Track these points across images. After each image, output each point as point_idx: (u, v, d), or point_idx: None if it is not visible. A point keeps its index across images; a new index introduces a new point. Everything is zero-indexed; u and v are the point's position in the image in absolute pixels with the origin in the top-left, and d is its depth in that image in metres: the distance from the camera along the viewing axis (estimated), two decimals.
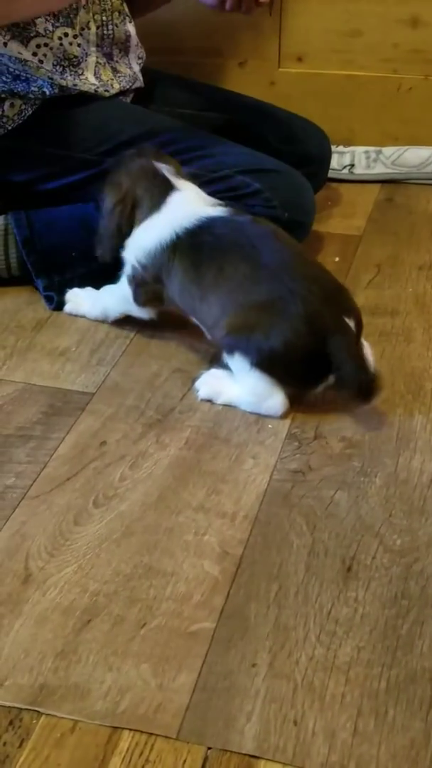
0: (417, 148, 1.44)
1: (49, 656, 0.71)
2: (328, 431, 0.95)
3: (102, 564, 0.80)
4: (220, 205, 1.03)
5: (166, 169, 1.05)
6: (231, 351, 0.96)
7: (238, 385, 0.98)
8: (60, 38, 1.17)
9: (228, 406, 0.99)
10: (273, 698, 0.68)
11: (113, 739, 0.65)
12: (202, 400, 1.00)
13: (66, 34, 1.18)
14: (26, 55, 1.15)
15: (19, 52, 1.15)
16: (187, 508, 0.86)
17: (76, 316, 1.15)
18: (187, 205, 1.02)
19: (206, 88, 1.37)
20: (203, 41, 1.43)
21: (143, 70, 1.31)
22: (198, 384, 1.01)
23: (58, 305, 1.16)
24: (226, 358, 0.97)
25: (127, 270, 1.06)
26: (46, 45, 1.16)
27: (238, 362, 0.96)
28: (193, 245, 0.99)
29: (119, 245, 1.05)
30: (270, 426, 0.96)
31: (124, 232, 1.05)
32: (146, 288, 1.05)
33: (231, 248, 0.97)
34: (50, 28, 1.16)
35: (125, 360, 1.07)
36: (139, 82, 1.29)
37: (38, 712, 0.67)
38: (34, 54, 1.16)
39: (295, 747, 0.64)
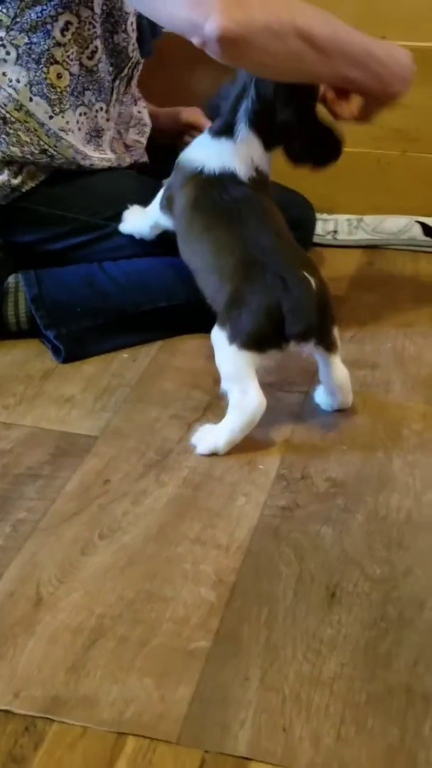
0: (395, 217, 1.56)
1: (60, 671, 0.78)
2: (314, 472, 1.04)
3: (107, 590, 0.87)
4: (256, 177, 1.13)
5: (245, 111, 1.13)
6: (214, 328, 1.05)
7: (224, 421, 1.06)
8: (97, 111, 1.29)
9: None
10: (264, 708, 0.75)
11: (119, 744, 0.72)
12: (202, 455, 1.06)
13: (102, 108, 1.30)
14: (72, 123, 1.25)
15: (68, 121, 1.25)
16: (185, 540, 0.93)
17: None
18: (232, 155, 1.13)
19: None
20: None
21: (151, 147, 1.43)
22: (194, 441, 1.07)
23: (66, 357, 1.25)
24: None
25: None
26: (85, 114, 1.28)
27: (217, 338, 1.04)
28: (203, 188, 1.12)
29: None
30: (261, 467, 1.05)
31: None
32: (169, 193, 1.19)
33: (226, 213, 1.09)
34: (93, 101, 1.28)
35: (126, 406, 1.16)
36: (144, 159, 1.42)
37: (51, 719, 0.73)
38: (77, 122, 1.26)
39: (284, 750, 0.71)
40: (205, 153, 1.15)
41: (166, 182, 1.23)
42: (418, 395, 1.17)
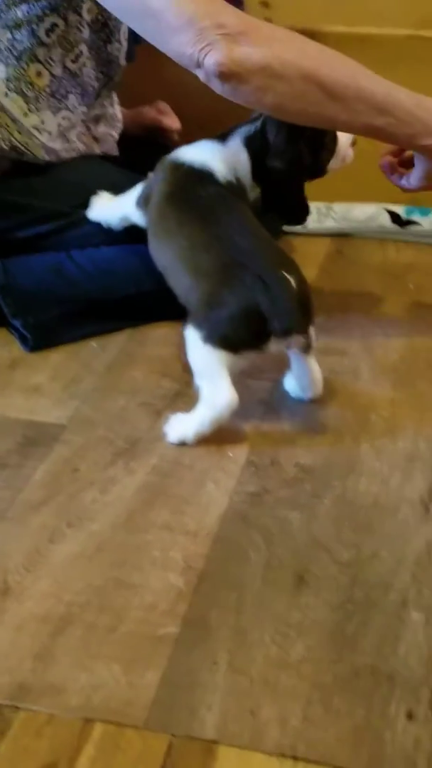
0: (364, 205, 1.57)
1: (28, 659, 0.78)
2: (282, 458, 1.04)
3: (75, 578, 0.87)
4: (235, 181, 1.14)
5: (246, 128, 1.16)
6: (185, 325, 1.04)
7: (194, 413, 1.05)
8: (79, 114, 1.28)
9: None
10: (231, 692, 0.75)
11: (87, 730, 0.72)
12: (173, 443, 1.05)
13: (84, 112, 1.29)
14: (48, 123, 1.25)
15: (43, 120, 1.25)
16: (154, 528, 0.93)
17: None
18: (215, 155, 1.14)
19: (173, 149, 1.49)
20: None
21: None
22: (165, 429, 1.07)
23: (33, 346, 1.24)
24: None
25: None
26: (69, 119, 1.27)
27: (191, 337, 1.03)
28: (179, 183, 1.12)
29: None
30: (230, 454, 1.05)
31: None
32: (148, 191, 1.18)
33: (201, 210, 1.09)
34: (76, 104, 1.28)
35: (95, 395, 1.15)
36: (115, 152, 1.41)
37: (17, 707, 0.73)
38: (58, 124, 1.26)
39: (251, 733, 0.71)
40: (192, 151, 1.16)
41: (145, 182, 1.22)
42: (386, 382, 1.18)
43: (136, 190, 1.22)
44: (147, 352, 1.25)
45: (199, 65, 0.99)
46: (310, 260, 1.50)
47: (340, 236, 1.57)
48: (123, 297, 1.28)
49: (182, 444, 1.05)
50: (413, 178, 1.17)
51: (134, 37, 1.31)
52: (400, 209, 1.56)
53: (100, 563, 0.88)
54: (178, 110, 1.56)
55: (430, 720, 0.72)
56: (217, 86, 1.01)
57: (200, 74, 1.01)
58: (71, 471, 1.01)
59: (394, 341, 1.27)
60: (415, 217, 1.55)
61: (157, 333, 1.29)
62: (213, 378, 1.03)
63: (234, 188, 1.14)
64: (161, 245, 1.14)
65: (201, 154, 1.15)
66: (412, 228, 1.55)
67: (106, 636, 0.80)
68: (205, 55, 0.98)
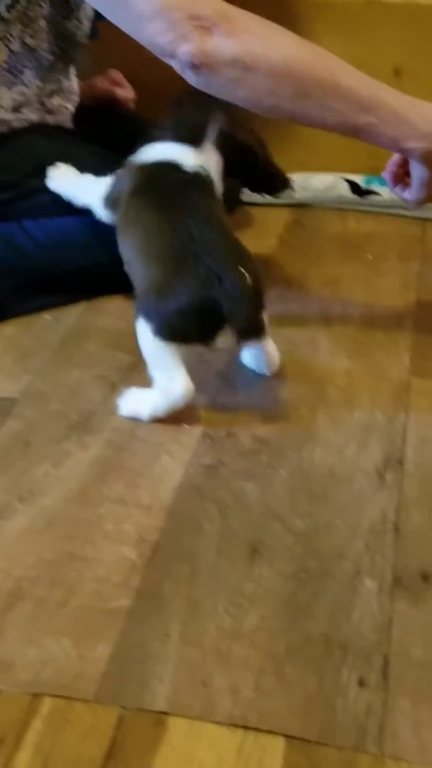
0: (322, 175, 1.55)
1: None
2: (239, 430, 1.03)
3: (26, 552, 0.85)
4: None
5: (213, 130, 1.13)
6: (136, 316, 1.02)
7: (150, 396, 1.03)
8: (34, 89, 1.25)
9: None
10: (183, 663, 0.74)
11: (35, 704, 0.70)
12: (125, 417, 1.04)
13: (39, 86, 1.26)
14: (3, 99, 1.23)
15: None
16: (107, 501, 0.92)
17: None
18: (184, 152, 1.11)
19: (129, 118, 1.46)
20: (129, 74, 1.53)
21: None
22: (119, 402, 1.05)
23: None
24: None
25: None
26: (24, 94, 1.25)
27: (141, 328, 1.01)
28: (145, 177, 1.10)
29: None
30: (186, 426, 1.03)
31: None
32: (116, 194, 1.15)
33: (162, 197, 1.06)
34: (30, 79, 1.24)
35: (49, 368, 1.13)
36: (69, 125, 1.37)
37: None
38: (12, 99, 1.24)
39: (203, 704, 0.71)
40: (158, 149, 1.12)
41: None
42: (343, 352, 1.17)
43: (102, 187, 1.17)
44: (102, 324, 1.23)
45: (172, 56, 0.98)
46: (269, 230, 1.49)
47: (299, 206, 1.56)
48: (76, 269, 1.26)
49: (134, 419, 1.04)
50: (412, 189, 1.12)
51: (97, 14, 1.28)
52: (359, 179, 1.55)
53: (51, 537, 0.87)
54: (133, 78, 1.53)
55: (381, 687, 0.72)
56: (191, 78, 1.00)
57: (174, 64, 0.99)
58: (23, 445, 0.99)
59: (352, 312, 1.26)
60: (375, 187, 1.54)
61: (113, 305, 1.27)
62: (166, 369, 1.01)
63: (201, 179, 1.11)
64: (123, 238, 1.10)
65: (170, 151, 1.12)
66: (372, 198, 1.54)
67: (57, 610, 0.79)
68: (178, 46, 0.97)
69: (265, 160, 1.22)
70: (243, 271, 0.99)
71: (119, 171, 1.15)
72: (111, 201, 1.16)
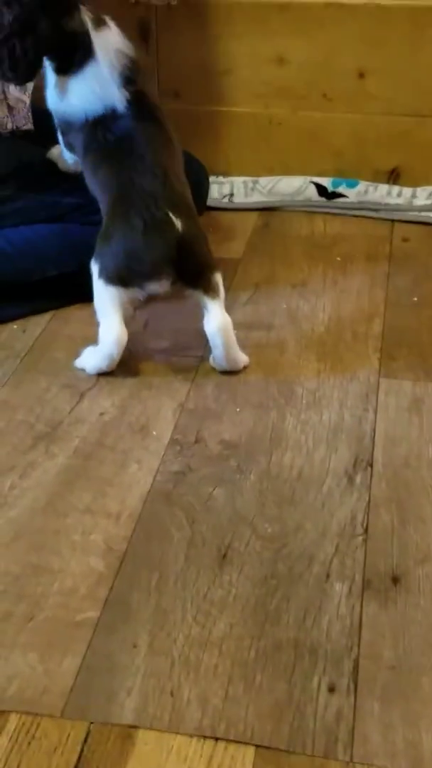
0: (290, 178, 1.55)
1: None
2: (207, 435, 1.02)
3: None
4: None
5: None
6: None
7: (93, 350, 1.11)
8: None
9: (114, 419, 1.05)
10: (152, 674, 0.73)
11: (1, 722, 0.69)
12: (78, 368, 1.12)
13: None
14: None
15: None
16: (75, 511, 0.91)
17: None
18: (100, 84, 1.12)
19: None
20: None
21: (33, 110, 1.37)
22: (76, 362, 1.13)
23: None
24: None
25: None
26: None
27: (91, 272, 1.08)
28: (90, 132, 1.13)
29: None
30: (154, 433, 1.03)
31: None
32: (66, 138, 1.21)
33: (110, 153, 1.11)
34: None
35: (15, 378, 1.12)
36: (30, 125, 1.36)
37: None
38: None
39: (171, 715, 0.70)
40: (79, 96, 1.13)
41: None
42: (311, 354, 1.17)
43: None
44: (70, 332, 1.22)
45: None
46: (238, 234, 1.48)
47: (267, 210, 1.55)
48: (44, 278, 1.25)
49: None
50: None
51: None
52: (326, 181, 1.55)
53: (17, 550, 0.86)
54: None
55: (352, 692, 0.72)
56: None
57: None
58: None
59: (320, 313, 1.26)
60: (342, 189, 1.54)
61: (82, 313, 1.25)
62: (105, 314, 1.09)
63: (135, 102, 1.12)
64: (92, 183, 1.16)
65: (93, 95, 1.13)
66: (339, 200, 1.54)
67: (23, 624, 0.78)
68: None
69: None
70: (172, 216, 1.05)
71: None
72: (67, 146, 1.22)
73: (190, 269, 1.07)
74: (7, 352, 1.17)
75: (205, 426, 1.04)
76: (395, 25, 1.43)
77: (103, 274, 1.07)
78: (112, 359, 1.10)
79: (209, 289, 1.08)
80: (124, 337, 1.08)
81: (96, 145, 1.13)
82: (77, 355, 1.15)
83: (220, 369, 1.12)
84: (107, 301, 1.08)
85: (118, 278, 1.06)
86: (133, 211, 1.06)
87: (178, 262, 1.05)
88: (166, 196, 1.07)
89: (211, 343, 1.10)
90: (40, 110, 1.38)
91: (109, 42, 1.12)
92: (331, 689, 0.72)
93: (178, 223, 1.05)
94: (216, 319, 1.08)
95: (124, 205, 1.07)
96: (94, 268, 1.08)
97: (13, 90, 1.32)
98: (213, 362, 1.12)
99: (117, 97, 1.11)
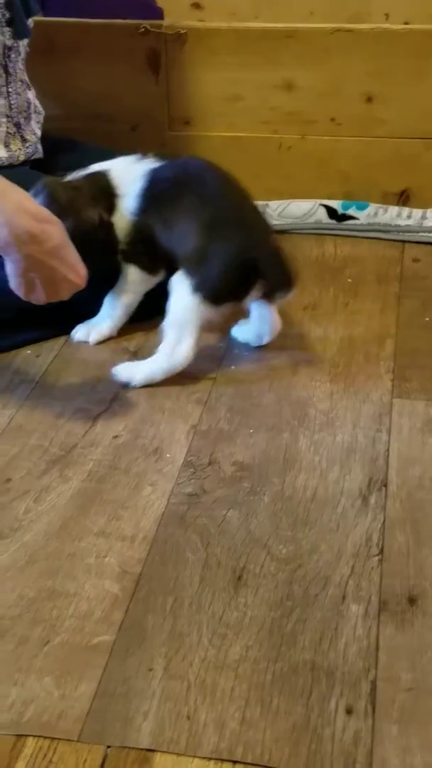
0: (299, 201, 1.56)
1: None
2: (221, 457, 1.02)
3: (6, 590, 0.84)
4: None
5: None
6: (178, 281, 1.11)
7: (152, 359, 1.13)
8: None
9: (128, 441, 1.05)
10: (168, 697, 0.73)
11: (18, 746, 0.69)
12: (121, 383, 1.13)
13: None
14: None
15: None
16: (89, 534, 0.91)
17: None
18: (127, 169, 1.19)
19: (99, 151, 1.47)
20: (95, 107, 1.54)
21: (42, 137, 1.39)
22: (114, 371, 1.13)
23: None
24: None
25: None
26: None
27: (178, 288, 1.10)
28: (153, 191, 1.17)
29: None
30: (168, 455, 1.03)
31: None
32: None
33: (179, 186, 1.16)
34: None
35: (29, 403, 1.13)
36: (39, 154, 1.38)
37: None
38: None
39: (188, 739, 0.70)
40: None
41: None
42: (324, 375, 1.17)
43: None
44: (84, 356, 1.23)
45: None
46: None
47: (278, 233, 1.56)
48: (56, 304, 1.26)
49: (126, 386, 1.12)
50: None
51: (26, 9, 1.29)
52: (336, 204, 1.56)
53: (32, 574, 0.86)
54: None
55: (369, 714, 0.71)
56: None
57: None
58: (4, 481, 0.99)
59: (332, 335, 1.26)
60: (352, 212, 1.55)
61: None
62: (189, 332, 1.10)
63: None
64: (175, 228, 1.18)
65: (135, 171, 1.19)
66: (349, 222, 1.55)
67: (39, 649, 0.78)
68: None
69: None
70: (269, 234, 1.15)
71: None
72: None
73: (281, 280, 1.12)
74: (21, 377, 1.18)
75: (218, 448, 1.04)
76: (401, 50, 1.45)
77: (199, 291, 1.08)
78: (171, 374, 1.12)
79: (295, 284, 1.14)
80: (191, 359, 1.12)
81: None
82: (91, 378, 1.15)
83: (252, 343, 1.22)
84: (196, 320, 1.10)
85: (217, 296, 1.09)
86: (231, 230, 1.09)
87: (285, 268, 1.12)
88: (258, 216, 1.16)
89: (257, 333, 1.21)
90: (50, 137, 1.41)
91: None
92: (349, 712, 0.71)
93: (272, 240, 1.13)
94: (277, 319, 1.20)
95: (220, 226, 1.10)
96: (186, 283, 1.09)
97: (32, 125, 1.34)
98: (243, 336, 1.22)
99: None
